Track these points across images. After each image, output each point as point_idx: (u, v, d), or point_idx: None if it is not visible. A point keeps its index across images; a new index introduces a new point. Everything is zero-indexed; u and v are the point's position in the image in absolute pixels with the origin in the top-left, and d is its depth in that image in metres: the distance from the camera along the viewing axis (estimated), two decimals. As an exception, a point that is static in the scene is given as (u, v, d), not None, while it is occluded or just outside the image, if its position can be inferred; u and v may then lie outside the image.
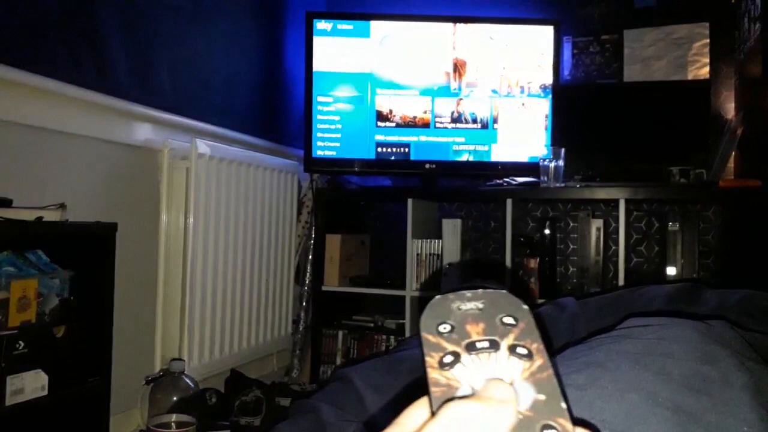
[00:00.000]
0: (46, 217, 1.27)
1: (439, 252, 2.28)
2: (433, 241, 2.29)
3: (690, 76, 2.37)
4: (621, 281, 2.06)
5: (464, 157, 2.41)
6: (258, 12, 2.40)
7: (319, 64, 2.42)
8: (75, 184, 1.55)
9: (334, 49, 2.42)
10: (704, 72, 2.36)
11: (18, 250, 1.24)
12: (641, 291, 0.96)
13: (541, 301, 2.11)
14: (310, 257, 2.46)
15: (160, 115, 1.82)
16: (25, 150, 1.42)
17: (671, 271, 2.15)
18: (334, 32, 2.42)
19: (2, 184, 1.32)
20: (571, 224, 2.43)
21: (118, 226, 1.42)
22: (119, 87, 1.66)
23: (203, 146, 1.82)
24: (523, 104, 2.39)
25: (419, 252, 2.29)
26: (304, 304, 2.47)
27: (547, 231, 2.31)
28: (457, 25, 2.41)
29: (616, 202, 2.09)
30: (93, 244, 1.39)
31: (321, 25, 2.42)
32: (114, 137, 1.67)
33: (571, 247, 2.43)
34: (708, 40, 2.36)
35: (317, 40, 2.42)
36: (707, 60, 2.36)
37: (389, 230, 2.57)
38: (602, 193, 2.11)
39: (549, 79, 2.38)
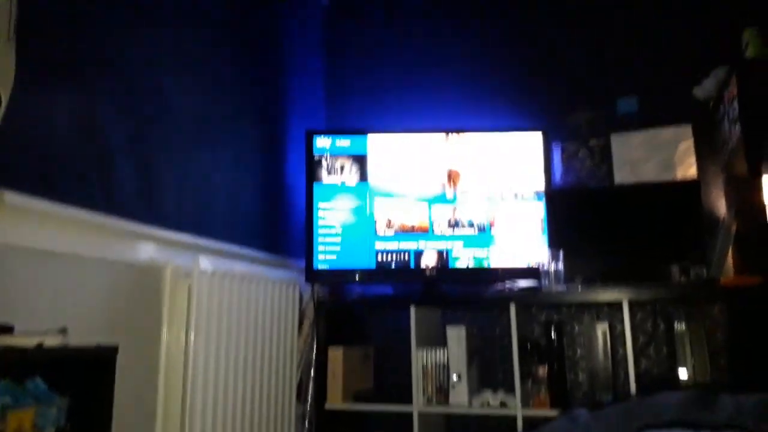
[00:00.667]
0: (47, 342, 1.26)
1: (446, 362, 2.23)
2: (438, 349, 2.25)
3: (679, 176, 2.44)
4: (632, 386, 2.00)
5: (464, 263, 2.42)
6: (260, 131, 2.51)
7: (319, 178, 2.50)
8: (77, 305, 1.54)
9: (333, 164, 2.51)
10: (692, 171, 2.43)
11: (17, 377, 1.22)
12: (653, 399, 0.94)
13: (553, 412, 2.05)
14: (312, 372, 2.40)
15: (164, 234, 1.85)
16: (29, 273, 1.43)
17: (683, 373, 2.10)
18: (333, 147, 2.52)
19: (5, 309, 1.32)
20: (577, 328, 2.40)
21: (118, 348, 1.40)
22: (124, 207, 1.70)
23: (205, 263, 1.84)
24: (517, 209, 2.44)
25: (425, 363, 2.24)
26: (306, 424, 2.38)
27: (553, 336, 2.27)
28: (450, 135, 2.52)
29: (619, 303, 2.08)
30: (93, 368, 1.36)
31: (320, 141, 2.53)
32: (118, 257, 1.69)
33: (579, 352, 2.38)
34: (692, 141, 2.45)
35: (317, 156, 2.51)
36: (694, 160, 2.44)
37: (393, 340, 2.53)
38: (605, 295, 2.10)
39: (541, 184, 2.45)
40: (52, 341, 1.28)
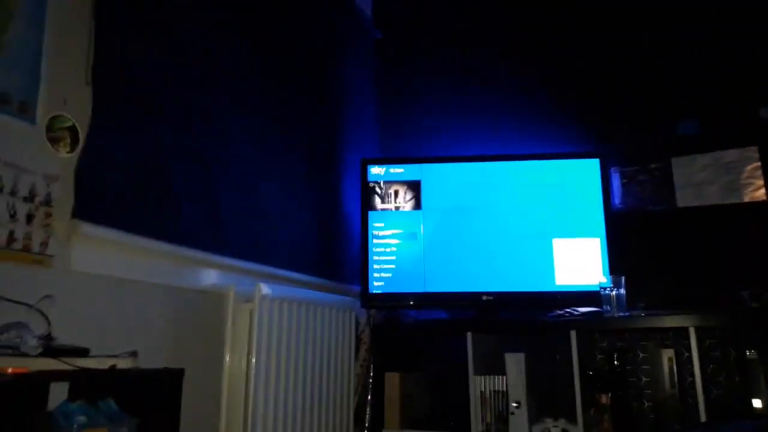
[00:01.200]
0: (119, 365, 1.32)
1: (504, 389, 2.20)
2: (496, 377, 2.22)
3: (746, 199, 2.35)
4: (702, 415, 1.91)
5: (522, 288, 2.39)
6: (316, 161, 2.58)
7: (373, 206, 2.54)
8: (146, 329, 1.61)
9: (387, 191, 2.54)
10: (761, 194, 2.34)
11: (91, 398, 1.28)
12: (726, 429, 0.90)
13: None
14: (369, 398, 2.40)
15: (226, 261, 1.92)
16: (102, 299, 1.51)
17: (757, 402, 1.99)
18: (387, 174, 2.56)
19: (81, 333, 1.39)
20: (641, 355, 2.32)
21: (184, 371, 1.45)
22: (189, 236, 1.78)
23: (266, 288, 1.88)
24: (577, 233, 2.40)
25: (482, 389, 2.21)
26: (365, 448, 2.38)
27: (616, 363, 2.20)
28: (505, 163, 2.52)
29: (685, 330, 2.01)
30: (160, 390, 1.41)
31: (375, 169, 2.57)
32: (183, 283, 1.76)
33: (644, 379, 2.30)
34: (759, 163, 2.36)
35: (372, 183, 2.56)
36: (762, 182, 2.34)
37: (449, 366, 2.50)
38: (670, 321, 2.03)
39: (600, 209, 2.40)
40: (123, 364, 1.34)
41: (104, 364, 1.30)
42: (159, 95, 1.71)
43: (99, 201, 1.49)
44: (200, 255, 1.81)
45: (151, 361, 1.52)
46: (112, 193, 1.54)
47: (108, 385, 1.35)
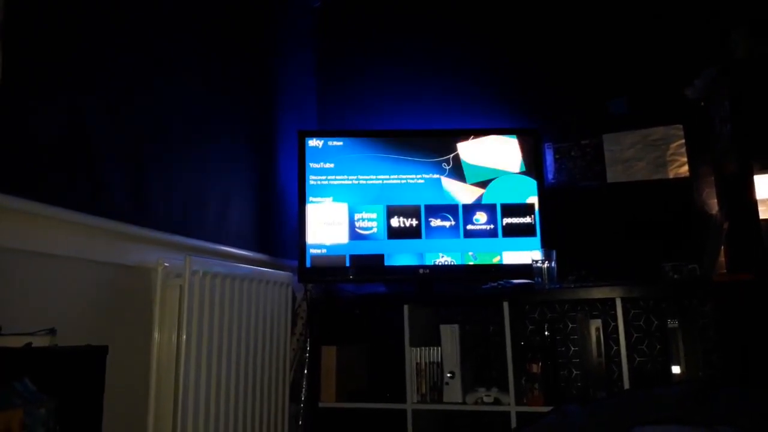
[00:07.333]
0: (35, 342, 1.24)
1: (439, 360, 2.23)
2: (432, 348, 2.25)
3: (671, 175, 2.45)
4: (626, 382, 2.00)
5: (457, 262, 2.42)
6: (252, 132, 2.50)
7: (310, 178, 2.49)
8: (67, 307, 1.53)
9: (324, 164, 2.50)
10: (684, 170, 2.44)
11: (5, 378, 1.20)
12: (648, 394, 0.93)
13: (547, 408, 2.04)
14: (306, 372, 2.39)
15: (154, 235, 1.84)
16: (17, 274, 1.41)
17: (676, 369, 2.10)
18: (325, 148, 2.52)
19: (-8, 310, 1.31)
20: (570, 326, 2.41)
21: (108, 348, 1.39)
22: (114, 209, 1.69)
23: (197, 263, 1.82)
24: (510, 208, 2.44)
25: (418, 361, 2.24)
26: (300, 422, 2.37)
27: (546, 333, 2.27)
28: (442, 138, 2.52)
29: (612, 301, 2.09)
30: (82, 369, 1.35)
31: (312, 142, 2.52)
32: (107, 258, 1.67)
33: (573, 349, 2.38)
34: (683, 141, 2.46)
35: (309, 156, 2.50)
36: (685, 159, 2.44)
37: (387, 339, 2.52)
38: (597, 293, 2.10)
39: (534, 183, 2.45)
40: (40, 342, 1.26)
41: (18, 342, 1.22)
42: (82, 56, 1.60)
43: (11, 169, 1.39)
44: (125, 228, 1.72)
45: (73, 340, 1.45)
46: (27, 162, 1.43)
47: (23, 365, 1.27)
